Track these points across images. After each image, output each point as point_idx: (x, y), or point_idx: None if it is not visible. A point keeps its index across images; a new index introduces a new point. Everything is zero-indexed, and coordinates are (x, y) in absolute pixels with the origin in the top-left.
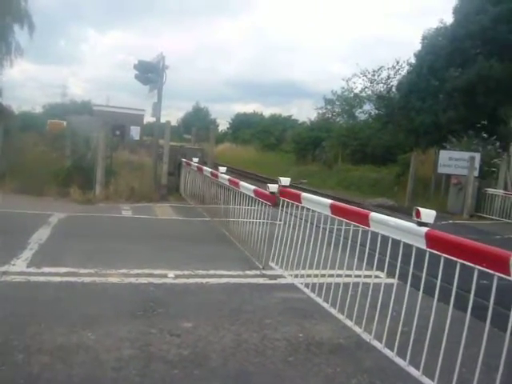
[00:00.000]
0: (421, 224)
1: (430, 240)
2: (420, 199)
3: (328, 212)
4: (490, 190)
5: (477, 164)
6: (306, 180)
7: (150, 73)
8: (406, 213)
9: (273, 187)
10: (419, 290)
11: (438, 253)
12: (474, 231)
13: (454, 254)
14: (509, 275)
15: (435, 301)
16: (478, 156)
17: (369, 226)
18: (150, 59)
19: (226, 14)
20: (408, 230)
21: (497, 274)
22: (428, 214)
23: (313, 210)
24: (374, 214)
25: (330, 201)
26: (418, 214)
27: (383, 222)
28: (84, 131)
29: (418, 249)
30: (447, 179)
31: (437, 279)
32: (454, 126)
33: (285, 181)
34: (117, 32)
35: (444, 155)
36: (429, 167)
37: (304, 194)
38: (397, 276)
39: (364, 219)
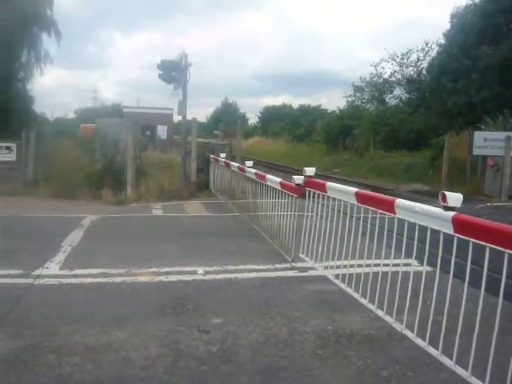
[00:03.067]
0: (447, 208)
1: (457, 225)
2: (456, 183)
3: (354, 200)
4: None
5: None
6: (338, 169)
7: (174, 71)
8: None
9: (298, 179)
10: (455, 278)
11: (466, 238)
12: None
13: (483, 239)
14: None
15: (465, 287)
16: None
17: (395, 213)
18: (174, 58)
19: (250, 7)
20: (435, 215)
21: None
22: (454, 198)
23: (339, 200)
24: (399, 201)
25: (354, 189)
26: (444, 199)
27: (409, 209)
28: (113, 134)
29: (447, 234)
30: (483, 161)
31: (472, 267)
32: (489, 106)
33: (310, 171)
34: (143, 33)
35: (479, 136)
36: (463, 150)
37: (329, 184)
38: (425, 263)
39: (390, 206)
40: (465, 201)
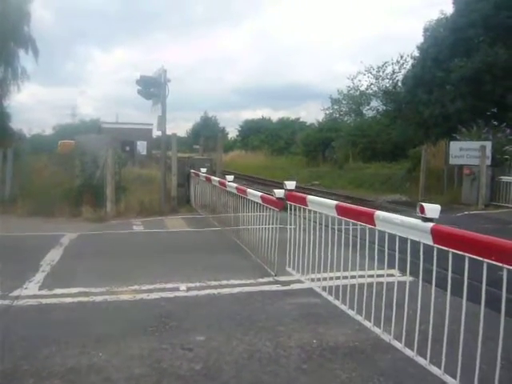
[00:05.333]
0: (426, 220)
1: (436, 235)
2: (433, 192)
3: (334, 213)
4: (504, 178)
5: (488, 153)
6: (318, 182)
7: (153, 87)
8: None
9: (279, 192)
10: (437, 288)
11: (446, 248)
12: (491, 221)
13: (462, 249)
14: None
15: (448, 296)
16: (489, 144)
17: (375, 225)
18: (152, 73)
19: (228, 23)
20: (414, 226)
21: (506, 266)
22: (432, 209)
23: (319, 213)
24: (378, 213)
25: (335, 202)
26: (422, 210)
27: (388, 220)
28: (92, 150)
29: (428, 244)
30: (460, 170)
31: (454, 276)
32: (463, 116)
33: (290, 184)
34: (121, 49)
35: (455, 146)
36: (440, 160)
37: (310, 197)
38: (408, 273)
39: (369, 218)
40: (442, 210)
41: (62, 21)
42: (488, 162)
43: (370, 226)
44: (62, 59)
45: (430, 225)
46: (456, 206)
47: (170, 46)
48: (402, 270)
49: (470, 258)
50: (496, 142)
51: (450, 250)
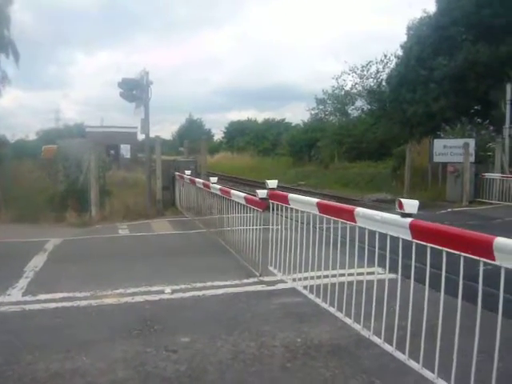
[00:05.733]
0: (404, 215)
1: (415, 230)
2: (418, 190)
3: (316, 211)
4: (488, 175)
5: (472, 150)
6: (304, 182)
7: (135, 90)
8: None
9: (262, 193)
10: (416, 283)
11: (424, 243)
12: (474, 217)
13: (439, 243)
14: (493, 260)
15: (426, 290)
16: (472, 142)
17: (355, 222)
18: (135, 76)
19: (211, 25)
20: (393, 222)
21: (482, 259)
22: (411, 205)
23: (302, 211)
24: (359, 209)
25: (316, 200)
26: (401, 206)
27: (368, 217)
28: (75, 154)
29: (407, 240)
30: (444, 168)
31: (432, 270)
32: (447, 114)
33: (272, 183)
34: (105, 52)
35: (438, 144)
36: (424, 158)
37: (291, 195)
38: (387, 270)
39: (350, 215)
40: (427, 207)
41: (43, 24)
42: (471, 159)
43: (351, 223)
44: (44, 63)
45: (409, 220)
46: (440, 203)
47: (153, 49)
48: (383, 267)
49: (450, 252)
50: (479, 139)
51: (428, 244)
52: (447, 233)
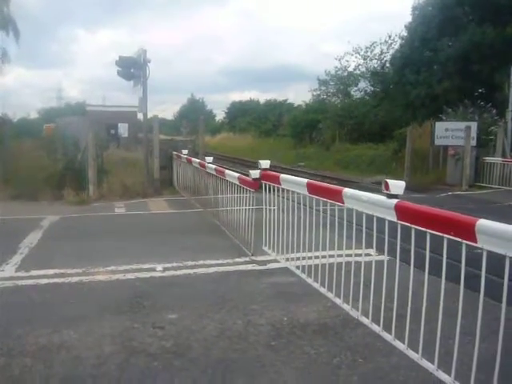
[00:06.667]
0: (390, 196)
1: (400, 212)
2: (418, 173)
3: (305, 191)
4: (489, 159)
5: (474, 133)
6: (304, 163)
7: (133, 68)
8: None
9: (255, 173)
10: (406, 265)
11: (408, 224)
12: (473, 201)
13: (423, 225)
14: (475, 242)
15: (411, 273)
16: (474, 125)
17: (343, 203)
18: (133, 54)
19: (215, 3)
20: (379, 203)
21: (465, 242)
22: (397, 186)
23: (293, 192)
24: (346, 190)
25: (305, 180)
26: (387, 187)
27: (356, 198)
28: (73, 133)
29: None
30: (445, 151)
31: (424, 252)
32: (450, 97)
33: (265, 164)
34: (107, 30)
35: (440, 127)
36: (426, 140)
37: (282, 176)
38: (374, 252)
39: (338, 196)
40: (427, 190)
41: (43, 1)
42: (473, 142)
43: (339, 204)
44: (45, 41)
45: (394, 201)
46: (440, 187)
47: (156, 28)
48: (373, 249)
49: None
50: (482, 122)
51: (413, 226)
52: (431, 214)
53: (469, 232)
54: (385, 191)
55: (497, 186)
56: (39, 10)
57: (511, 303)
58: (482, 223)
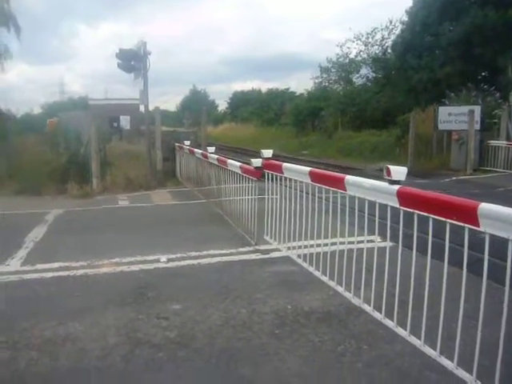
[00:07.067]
0: (392, 182)
1: (402, 198)
2: (422, 159)
3: (308, 180)
4: (493, 142)
5: (477, 117)
6: (307, 151)
7: (133, 60)
8: (408, 173)
9: (256, 162)
10: (411, 250)
11: (411, 210)
12: (478, 185)
13: (425, 210)
14: (478, 227)
15: (413, 259)
16: (478, 109)
17: (345, 190)
18: (133, 46)
19: None
20: (381, 189)
21: (467, 225)
22: (398, 172)
23: (295, 180)
24: (349, 177)
25: (308, 168)
26: (389, 173)
27: (358, 184)
28: (76, 126)
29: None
30: (449, 136)
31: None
32: (453, 81)
33: (267, 153)
34: (108, 24)
35: (443, 111)
36: (429, 126)
37: (285, 164)
38: (376, 238)
39: (340, 183)
40: (431, 175)
41: None
42: (477, 126)
43: (342, 191)
44: (47, 36)
45: (396, 187)
46: (445, 172)
47: (157, 19)
48: (375, 235)
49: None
50: (485, 106)
51: (416, 211)
52: (433, 199)
53: (471, 216)
54: (386, 177)
55: (502, 170)
56: (39, 6)
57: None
58: (485, 207)
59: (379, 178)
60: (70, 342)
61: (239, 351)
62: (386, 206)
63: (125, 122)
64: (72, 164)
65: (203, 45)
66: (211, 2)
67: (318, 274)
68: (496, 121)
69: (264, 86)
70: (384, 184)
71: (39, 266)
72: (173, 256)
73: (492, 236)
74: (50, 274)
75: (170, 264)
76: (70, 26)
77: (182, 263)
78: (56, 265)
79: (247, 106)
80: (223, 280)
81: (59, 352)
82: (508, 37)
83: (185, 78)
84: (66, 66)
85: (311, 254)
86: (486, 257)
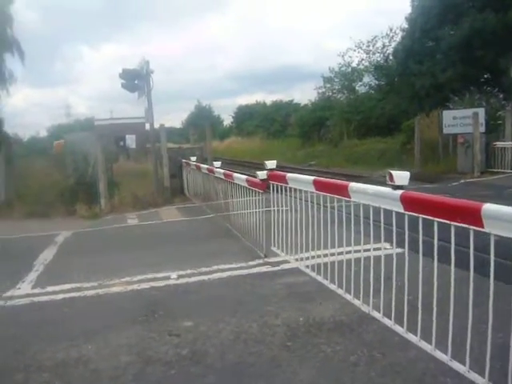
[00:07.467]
0: (396, 187)
1: (406, 202)
2: (429, 163)
3: (312, 189)
4: (499, 144)
5: (482, 119)
6: (315, 161)
7: (137, 79)
8: (414, 179)
9: (262, 174)
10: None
11: (416, 214)
12: (485, 187)
13: (430, 213)
14: (482, 228)
15: (420, 263)
16: (481, 111)
17: (349, 197)
18: (136, 66)
19: (215, 9)
20: (385, 195)
21: (472, 227)
22: (401, 176)
23: (302, 191)
24: (352, 185)
25: (312, 177)
26: (391, 178)
27: (362, 191)
28: (82, 147)
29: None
30: (454, 140)
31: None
32: (455, 85)
33: (271, 164)
34: (110, 45)
35: (448, 115)
36: (434, 130)
37: (289, 175)
38: (382, 245)
39: (344, 191)
40: (439, 179)
41: (45, 20)
42: (482, 128)
43: (347, 199)
44: (50, 60)
45: (400, 192)
46: (452, 176)
47: (158, 38)
48: (381, 242)
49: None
50: (489, 107)
51: (420, 215)
52: (436, 202)
53: (475, 217)
54: (389, 183)
55: (509, 171)
56: (42, 30)
57: None
58: (488, 208)
59: (384, 184)
60: (82, 364)
61: (251, 365)
62: (390, 211)
63: (130, 140)
64: (80, 185)
65: (206, 61)
66: (211, 18)
67: (326, 282)
68: (501, 122)
69: (268, 98)
70: (387, 189)
71: (50, 289)
72: (183, 272)
73: (499, 237)
74: (60, 296)
75: (181, 280)
76: (73, 49)
77: (193, 279)
78: (67, 286)
79: (252, 120)
80: (234, 294)
81: (72, 374)
82: (508, 39)
83: (189, 94)
84: (70, 89)
85: (319, 264)
86: (492, 258)
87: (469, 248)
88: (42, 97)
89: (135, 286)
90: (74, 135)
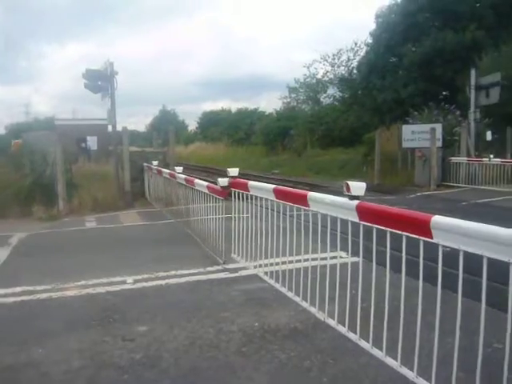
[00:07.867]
0: (352, 198)
1: (361, 212)
2: (388, 175)
3: (273, 197)
4: (454, 159)
5: (439, 135)
6: (278, 170)
7: (100, 80)
8: (374, 190)
9: (223, 181)
10: (378, 265)
11: (370, 224)
12: (441, 200)
13: (383, 224)
14: (431, 238)
15: (373, 271)
16: (439, 127)
17: (308, 206)
18: (100, 67)
19: (182, 15)
20: (341, 205)
21: (421, 238)
22: (357, 187)
23: (260, 198)
24: (311, 194)
25: (272, 186)
26: (348, 188)
27: (320, 201)
28: (41, 147)
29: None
30: (412, 153)
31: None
32: (416, 100)
33: (233, 171)
34: (75, 44)
35: (407, 130)
36: (394, 143)
37: (251, 183)
38: (338, 254)
39: (303, 200)
40: (397, 191)
41: (9, 17)
42: (439, 143)
43: (305, 208)
44: (13, 57)
45: (356, 202)
46: (410, 188)
47: (126, 40)
48: (337, 250)
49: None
50: (446, 124)
51: (374, 225)
52: (389, 213)
53: (425, 228)
54: (346, 193)
55: (463, 185)
56: (6, 27)
57: (467, 295)
58: (437, 220)
59: (342, 194)
60: (31, 368)
61: (206, 370)
62: (347, 221)
63: (92, 142)
64: (37, 186)
65: (173, 66)
66: (180, 24)
67: (284, 290)
68: (456, 138)
69: (233, 105)
70: (344, 199)
71: (1, 291)
72: (139, 277)
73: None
74: (11, 299)
75: (137, 285)
76: (37, 47)
77: (150, 284)
78: (19, 289)
79: (217, 126)
80: (191, 300)
81: (20, 378)
82: (466, 58)
83: (155, 98)
84: (32, 87)
85: (277, 271)
86: (440, 267)
87: (419, 258)
88: (3, 94)
89: (90, 290)
90: (33, 134)
